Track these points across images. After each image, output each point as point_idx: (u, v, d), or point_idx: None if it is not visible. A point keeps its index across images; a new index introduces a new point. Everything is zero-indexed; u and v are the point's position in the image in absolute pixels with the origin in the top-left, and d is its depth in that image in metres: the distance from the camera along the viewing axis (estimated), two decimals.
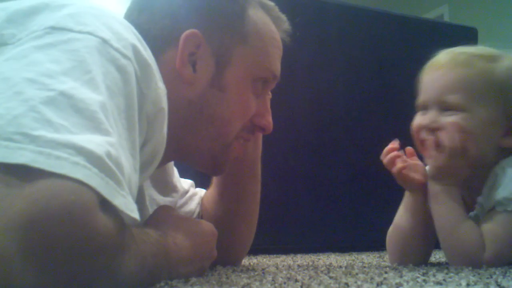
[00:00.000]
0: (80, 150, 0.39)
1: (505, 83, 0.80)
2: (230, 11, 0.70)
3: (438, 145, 0.79)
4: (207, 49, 0.68)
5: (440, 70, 0.82)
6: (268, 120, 0.75)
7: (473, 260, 0.74)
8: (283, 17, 0.76)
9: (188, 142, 0.70)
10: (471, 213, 0.84)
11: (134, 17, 0.69)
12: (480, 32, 1.98)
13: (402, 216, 0.88)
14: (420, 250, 0.87)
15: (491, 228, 0.76)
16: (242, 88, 0.70)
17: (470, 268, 0.71)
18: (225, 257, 0.79)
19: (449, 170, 0.79)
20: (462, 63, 0.81)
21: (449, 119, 0.78)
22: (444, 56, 0.84)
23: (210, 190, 0.91)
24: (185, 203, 0.90)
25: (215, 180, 0.88)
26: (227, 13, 0.70)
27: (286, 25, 0.77)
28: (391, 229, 0.90)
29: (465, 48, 0.85)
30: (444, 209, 0.79)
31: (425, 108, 0.83)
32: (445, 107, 0.80)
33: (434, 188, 0.81)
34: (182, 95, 0.67)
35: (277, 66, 0.74)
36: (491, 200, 0.78)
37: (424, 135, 0.81)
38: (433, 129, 0.80)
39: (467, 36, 1.90)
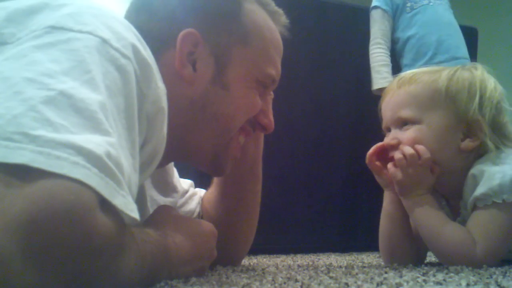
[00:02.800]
0: (79, 150, 0.39)
1: (449, 89, 0.83)
2: (227, 10, 0.70)
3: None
4: (206, 48, 0.68)
5: (389, 93, 0.88)
6: (270, 119, 0.75)
7: (467, 257, 0.75)
8: (280, 11, 0.76)
9: (190, 141, 0.70)
10: (458, 218, 0.85)
11: (133, 18, 0.69)
12: (480, 32, 1.98)
13: (383, 216, 0.91)
14: (407, 248, 0.88)
15: (478, 223, 0.77)
16: (246, 86, 0.70)
17: (470, 268, 0.71)
18: (225, 257, 0.79)
19: (411, 181, 0.81)
20: (407, 81, 0.86)
21: (406, 133, 0.83)
22: (392, 81, 0.91)
23: (211, 190, 0.91)
24: (185, 202, 0.89)
25: (215, 180, 0.88)
26: (223, 12, 0.70)
27: (284, 18, 0.77)
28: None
29: (409, 71, 0.90)
30: (424, 219, 0.81)
31: (389, 130, 0.88)
32: (401, 123, 0.84)
33: (406, 203, 0.84)
34: (183, 95, 0.67)
35: (277, 69, 0.74)
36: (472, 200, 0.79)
37: (388, 153, 0.84)
38: (394, 146, 0.83)
39: (467, 36, 1.90)
